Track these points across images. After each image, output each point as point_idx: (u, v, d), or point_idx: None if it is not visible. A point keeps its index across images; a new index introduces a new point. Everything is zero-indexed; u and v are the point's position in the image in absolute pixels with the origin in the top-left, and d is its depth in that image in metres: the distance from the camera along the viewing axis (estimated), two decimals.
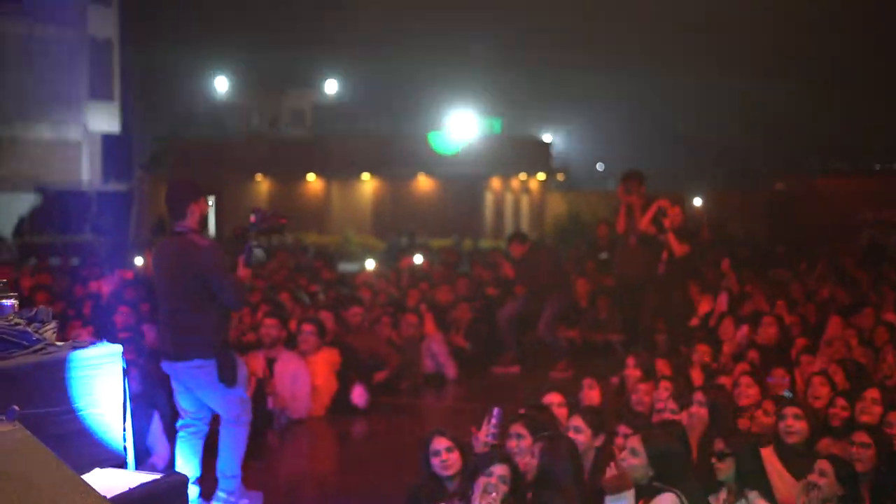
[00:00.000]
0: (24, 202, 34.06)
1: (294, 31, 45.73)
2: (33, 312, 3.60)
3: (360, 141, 33.59)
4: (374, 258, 18.66)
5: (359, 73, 43.17)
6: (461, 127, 32.46)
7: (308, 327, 9.76)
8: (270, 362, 9.16)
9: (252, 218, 6.27)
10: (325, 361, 9.79)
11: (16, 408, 2.81)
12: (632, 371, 7.98)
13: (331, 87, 39.13)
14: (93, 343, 3.65)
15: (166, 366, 6.28)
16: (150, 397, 7.16)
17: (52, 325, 3.60)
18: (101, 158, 38.55)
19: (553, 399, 6.46)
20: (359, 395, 9.80)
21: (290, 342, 9.67)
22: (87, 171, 37.31)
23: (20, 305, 3.66)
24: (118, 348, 3.70)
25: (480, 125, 33.53)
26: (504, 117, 35.31)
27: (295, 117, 36.11)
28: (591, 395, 7.51)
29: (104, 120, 38.34)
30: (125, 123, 39.19)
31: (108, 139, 38.94)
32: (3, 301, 3.64)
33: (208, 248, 6.11)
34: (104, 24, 38.02)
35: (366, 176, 32.70)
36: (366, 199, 32.70)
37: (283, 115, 35.43)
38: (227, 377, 6.08)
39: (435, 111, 35.93)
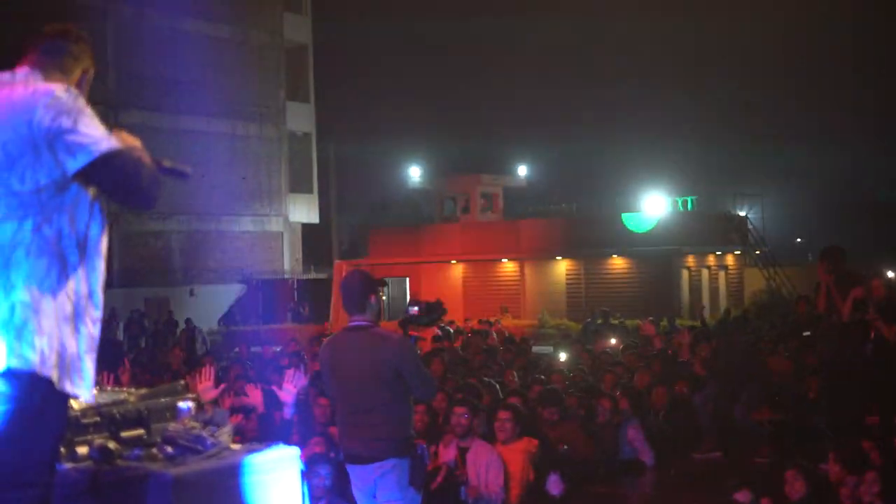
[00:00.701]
0: (231, 292, 35.35)
1: (485, 119, 46.47)
2: (210, 415, 3.58)
3: (552, 223, 33.56)
4: (565, 344, 18.40)
5: (549, 155, 43.45)
6: (654, 205, 32.00)
7: (504, 415, 9.57)
8: (462, 451, 9.01)
9: (415, 310, 6.13)
10: (520, 450, 9.57)
11: None
12: (836, 462, 7.46)
13: (522, 170, 39.40)
14: (268, 446, 3.60)
15: (352, 469, 5.87)
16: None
17: (228, 427, 3.56)
18: (302, 248, 39.80)
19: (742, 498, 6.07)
20: (554, 484, 9.53)
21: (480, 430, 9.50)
22: (289, 261, 38.52)
23: (209, 404, 3.65)
24: (295, 451, 3.63)
25: (673, 202, 33.00)
26: (698, 194, 34.68)
27: (487, 202, 36.42)
28: (796, 487, 7.05)
29: (304, 211, 39.66)
30: (323, 213, 40.40)
31: (307, 229, 40.22)
32: (181, 404, 3.65)
33: (400, 340, 5.91)
34: (302, 119, 39.51)
35: (559, 257, 32.52)
36: (559, 281, 32.50)
37: (475, 200, 35.80)
38: (418, 479, 5.81)
39: (626, 191, 35.70)
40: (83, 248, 3.03)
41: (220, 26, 35.88)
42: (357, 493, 5.91)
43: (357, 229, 41.13)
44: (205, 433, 3.47)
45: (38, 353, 2.83)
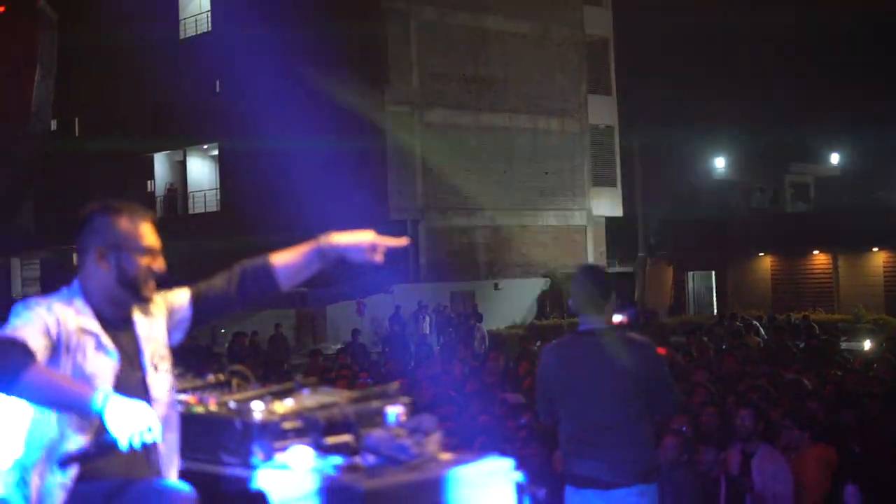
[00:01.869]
0: (535, 286, 35.47)
1: (794, 107, 44.25)
2: (417, 421, 3.32)
3: (868, 213, 31.52)
4: (878, 341, 17.07)
5: (864, 143, 40.73)
6: None
7: (744, 412, 8.82)
8: (747, 457, 8.38)
9: (623, 318, 5.50)
10: (814, 457, 8.81)
11: None
12: None
13: (835, 159, 37.24)
14: (480, 457, 3.29)
15: (583, 495, 5.03)
16: None
17: (436, 435, 3.29)
18: (606, 242, 39.41)
19: None
20: (852, 496, 8.71)
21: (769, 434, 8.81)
22: (593, 255, 38.23)
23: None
24: (509, 463, 3.30)
25: None
26: None
27: (798, 192, 34.69)
28: None
29: (607, 204, 39.25)
30: (627, 206, 39.83)
31: (611, 222, 39.79)
32: (390, 409, 3.41)
33: (646, 346, 5.19)
34: (604, 112, 39.10)
35: (875, 249, 30.46)
36: (876, 274, 30.42)
37: (785, 190, 34.18)
38: None
39: None
40: None
41: (520, 23, 36.07)
42: None
43: (662, 222, 40.26)
44: (408, 441, 3.21)
45: None
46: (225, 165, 38.54)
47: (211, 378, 4.07)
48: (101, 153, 38.98)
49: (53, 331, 3.09)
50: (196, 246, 35.72)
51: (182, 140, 38.57)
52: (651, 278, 37.16)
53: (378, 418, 3.42)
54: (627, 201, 40.00)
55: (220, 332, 27.60)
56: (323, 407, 3.40)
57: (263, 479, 3.15)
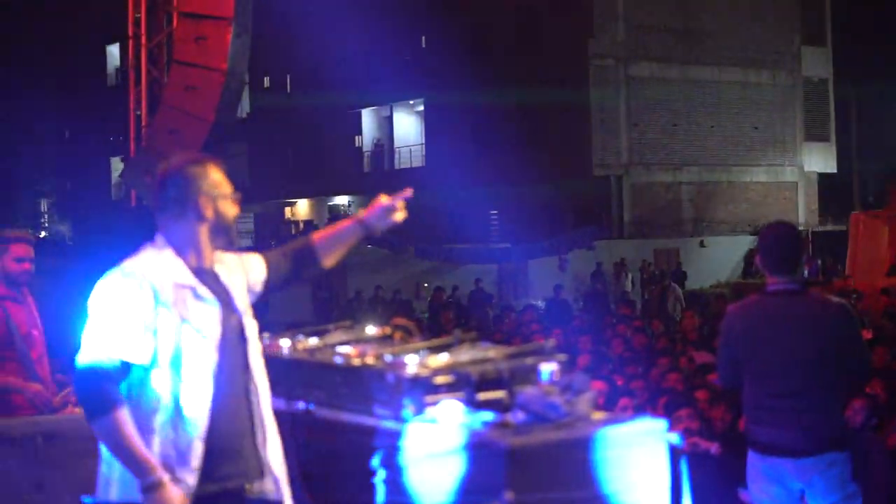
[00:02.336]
0: (742, 244, 34.48)
1: None
2: (569, 380, 3.27)
3: None
4: None
5: None
6: None
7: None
8: None
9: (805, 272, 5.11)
10: None
11: (508, 496, 2.50)
12: None
13: None
14: (632, 417, 3.23)
15: (778, 464, 4.77)
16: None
17: (589, 395, 3.23)
18: (818, 199, 37.95)
19: None
20: None
21: None
22: (804, 213, 36.88)
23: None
24: (660, 424, 3.22)
25: None
26: None
27: None
28: None
29: (820, 160, 37.76)
30: (842, 162, 38.19)
31: (824, 179, 38.26)
32: (544, 365, 3.37)
33: (844, 308, 4.90)
34: (818, 64, 37.50)
35: None
36: None
37: None
38: (856, 473, 4.74)
39: None
40: None
41: None
42: (771, 488, 4.85)
43: (879, 178, 38.36)
44: (559, 400, 3.17)
45: None
46: (430, 120, 39.00)
47: (376, 331, 4.14)
48: (310, 109, 40.09)
49: (150, 304, 3.18)
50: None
51: (389, 96, 39.19)
52: (865, 238, 35.48)
53: (532, 375, 3.39)
54: (842, 157, 38.33)
55: (423, 286, 28.12)
56: (476, 362, 3.40)
57: (413, 432, 3.18)
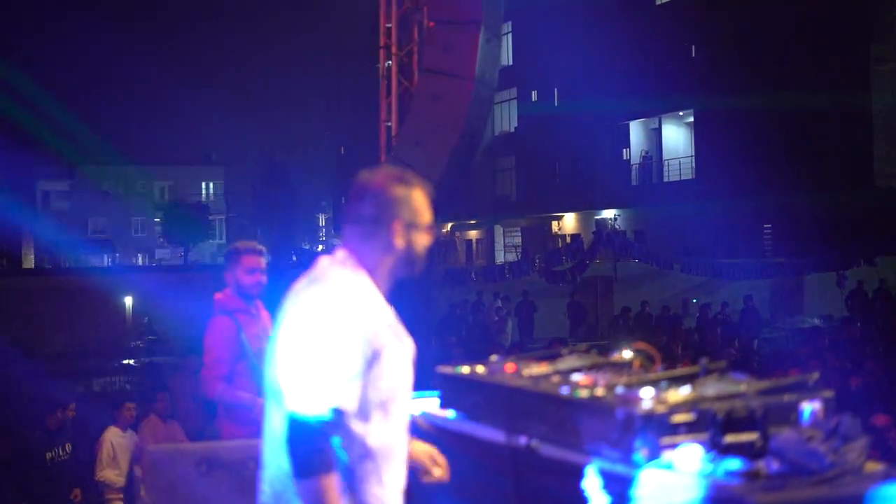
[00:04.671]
0: None
1: None
2: (835, 423, 2.72)
3: None
4: None
5: None
6: None
7: None
8: None
9: None
10: None
11: None
12: None
13: None
14: None
15: None
16: None
17: (861, 442, 2.68)
18: None
19: None
20: None
21: None
22: None
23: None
24: None
25: None
26: None
27: None
28: None
29: None
30: None
31: None
32: (805, 404, 2.85)
33: None
34: None
35: None
36: None
37: None
38: None
39: None
40: None
41: None
42: None
43: None
44: (822, 447, 2.63)
45: None
46: (700, 131, 37.90)
47: (615, 356, 3.72)
48: (577, 122, 39.82)
49: (365, 347, 2.87)
50: (669, 213, 35.53)
51: (657, 107, 38.34)
52: None
53: (792, 415, 2.87)
54: None
55: (692, 301, 27.19)
56: (723, 398, 2.91)
57: (644, 479, 2.72)
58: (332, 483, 2.76)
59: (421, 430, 3.83)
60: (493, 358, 3.74)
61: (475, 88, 11.23)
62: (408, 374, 3.01)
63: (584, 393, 3.07)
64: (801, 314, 26.55)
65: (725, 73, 33.42)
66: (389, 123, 12.29)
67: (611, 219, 40.93)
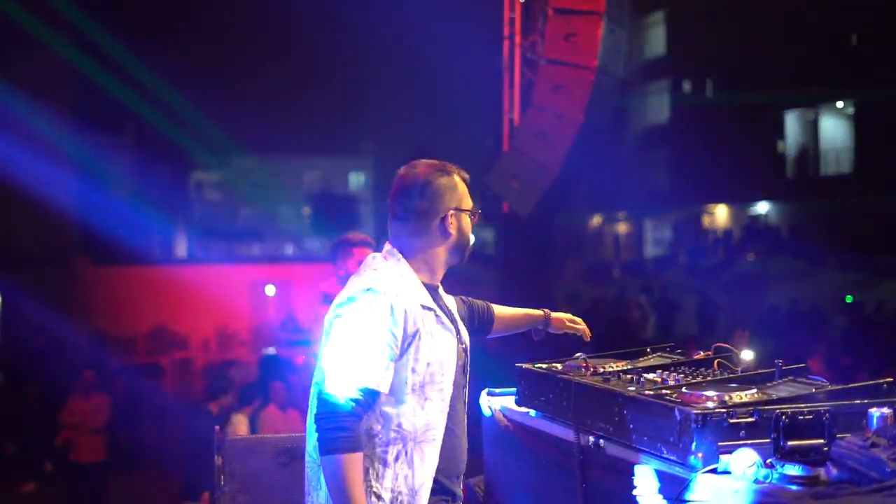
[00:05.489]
0: None
1: None
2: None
3: None
4: None
5: None
6: None
7: None
8: None
9: None
10: None
11: None
12: None
13: None
14: None
15: None
16: None
17: None
18: None
19: None
20: None
21: None
22: None
23: None
24: None
25: None
26: None
27: None
28: None
29: None
30: None
31: None
32: (874, 410, 2.74)
33: None
34: None
35: None
36: None
37: None
38: None
39: None
40: None
41: None
42: None
43: None
44: (884, 455, 2.53)
45: None
46: (860, 123, 36.53)
47: (699, 355, 3.67)
48: (730, 113, 38.90)
49: (399, 332, 2.90)
50: (827, 208, 34.44)
51: (815, 97, 37.11)
52: None
53: (861, 420, 2.77)
54: None
55: (846, 300, 26.27)
56: (787, 400, 2.83)
57: (697, 483, 2.67)
58: (355, 462, 2.80)
59: (499, 424, 3.85)
60: (578, 355, 3.71)
61: (597, 79, 11.13)
62: (450, 360, 3.02)
63: (647, 392, 3.03)
64: None
65: (889, 61, 32.17)
66: (512, 115, 12.26)
67: (763, 214, 39.85)
